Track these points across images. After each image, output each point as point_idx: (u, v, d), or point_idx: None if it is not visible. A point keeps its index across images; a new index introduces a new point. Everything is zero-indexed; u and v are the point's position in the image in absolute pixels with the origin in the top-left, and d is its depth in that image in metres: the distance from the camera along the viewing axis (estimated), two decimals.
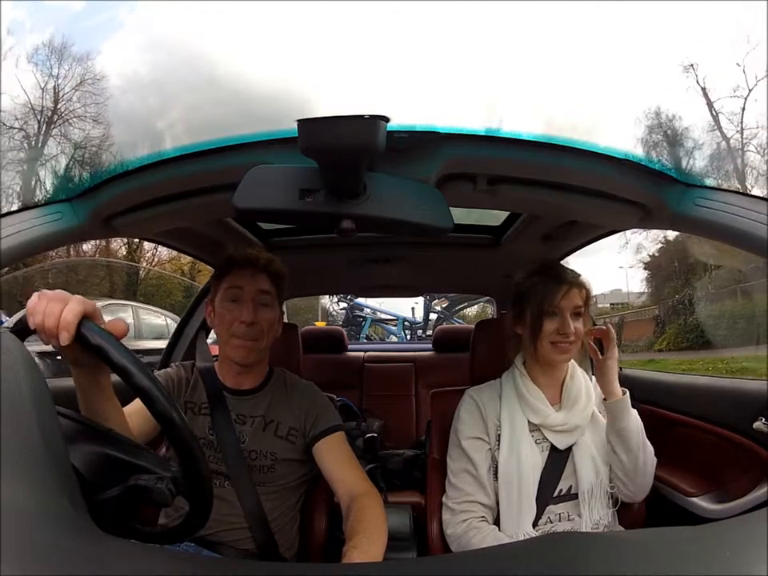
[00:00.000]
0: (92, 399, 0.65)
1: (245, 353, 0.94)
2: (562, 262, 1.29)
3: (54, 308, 0.54)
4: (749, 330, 6.55)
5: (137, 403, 0.85)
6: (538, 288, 0.97)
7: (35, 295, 0.57)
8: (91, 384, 0.64)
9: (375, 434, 1.80)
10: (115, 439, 0.55)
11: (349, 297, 6.51)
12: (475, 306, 7.71)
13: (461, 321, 6.97)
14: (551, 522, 0.93)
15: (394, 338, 6.79)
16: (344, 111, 0.54)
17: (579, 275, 0.99)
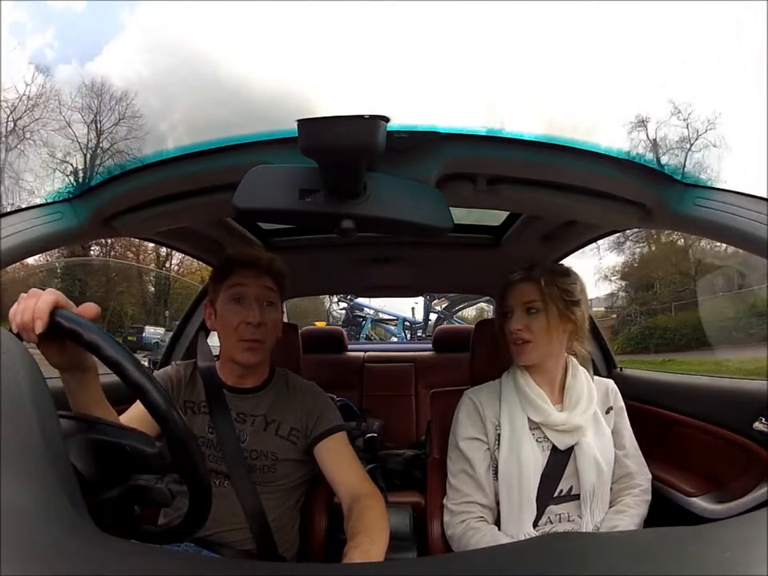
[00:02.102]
0: (82, 402, 0.65)
1: (251, 355, 0.94)
2: (561, 262, 1.29)
3: (28, 304, 0.56)
4: (675, 338, 8.44)
5: (133, 410, 0.86)
6: (500, 291, 0.99)
7: (16, 303, 0.59)
8: (80, 387, 0.64)
9: (375, 434, 1.79)
10: (99, 424, 0.56)
11: (349, 297, 6.51)
12: (473, 309, 7.75)
13: (461, 321, 6.97)
14: (552, 523, 0.93)
15: (394, 339, 6.79)
16: (344, 111, 0.54)
17: (536, 268, 0.97)
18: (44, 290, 0.58)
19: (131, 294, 10.70)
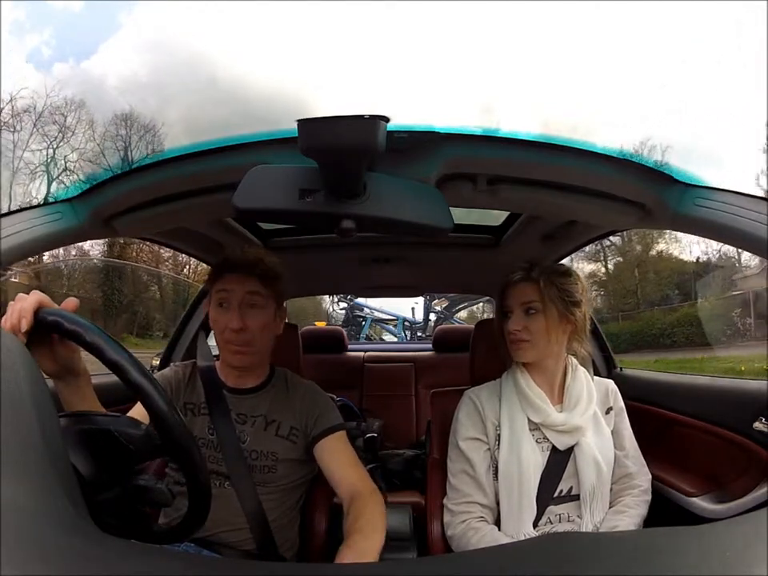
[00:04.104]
0: (76, 408, 0.65)
1: (239, 358, 0.94)
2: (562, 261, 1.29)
3: (14, 308, 0.58)
4: (618, 342, 9.35)
5: (133, 413, 0.86)
6: (500, 291, 0.99)
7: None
8: (73, 393, 0.65)
9: (375, 434, 1.80)
10: (84, 415, 0.58)
11: (349, 297, 6.51)
12: (463, 311, 7.78)
13: (461, 321, 6.96)
14: (551, 523, 0.93)
15: (390, 338, 6.78)
16: (344, 111, 0.54)
17: (536, 268, 0.97)
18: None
19: (155, 300, 11.12)
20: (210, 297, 0.98)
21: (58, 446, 0.39)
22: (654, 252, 10.33)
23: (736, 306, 7.85)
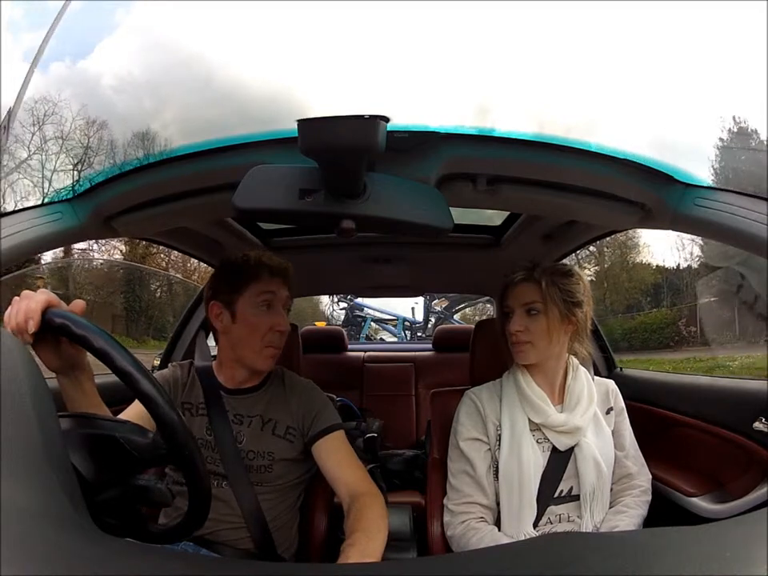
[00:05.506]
0: (78, 404, 0.66)
1: (272, 362, 0.97)
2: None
3: (21, 306, 0.57)
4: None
5: (131, 411, 0.87)
6: (501, 291, 0.98)
7: (9, 307, 0.60)
8: (76, 389, 0.65)
9: (375, 434, 1.79)
10: (91, 419, 0.57)
11: (349, 297, 6.50)
12: (457, 314, 7.78)
13: (461, 321, 6.95)
14: (552, 523, 0.93)
15: (390, 338, 6.76)
16: (344, 111, 0.54)
17: (538, 268, 0.96)
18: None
19: (168, 303, 11.40)
20: (232, 296, 0.95)
21: (58, 446, 0.39)
22: (621, 264, 10.65)
23: (683, 315, 8.52)
